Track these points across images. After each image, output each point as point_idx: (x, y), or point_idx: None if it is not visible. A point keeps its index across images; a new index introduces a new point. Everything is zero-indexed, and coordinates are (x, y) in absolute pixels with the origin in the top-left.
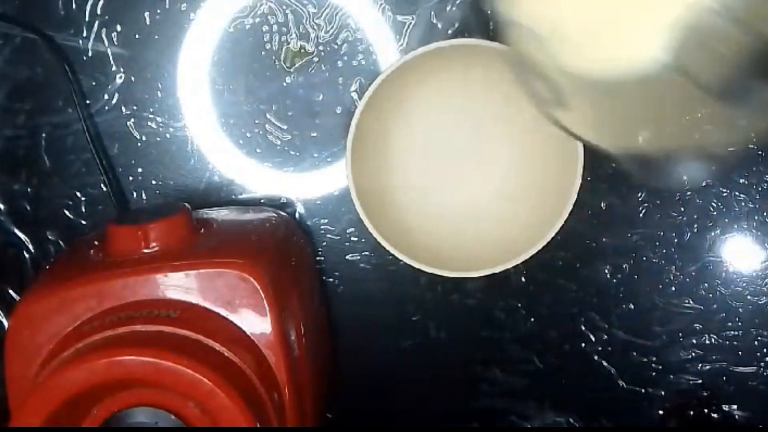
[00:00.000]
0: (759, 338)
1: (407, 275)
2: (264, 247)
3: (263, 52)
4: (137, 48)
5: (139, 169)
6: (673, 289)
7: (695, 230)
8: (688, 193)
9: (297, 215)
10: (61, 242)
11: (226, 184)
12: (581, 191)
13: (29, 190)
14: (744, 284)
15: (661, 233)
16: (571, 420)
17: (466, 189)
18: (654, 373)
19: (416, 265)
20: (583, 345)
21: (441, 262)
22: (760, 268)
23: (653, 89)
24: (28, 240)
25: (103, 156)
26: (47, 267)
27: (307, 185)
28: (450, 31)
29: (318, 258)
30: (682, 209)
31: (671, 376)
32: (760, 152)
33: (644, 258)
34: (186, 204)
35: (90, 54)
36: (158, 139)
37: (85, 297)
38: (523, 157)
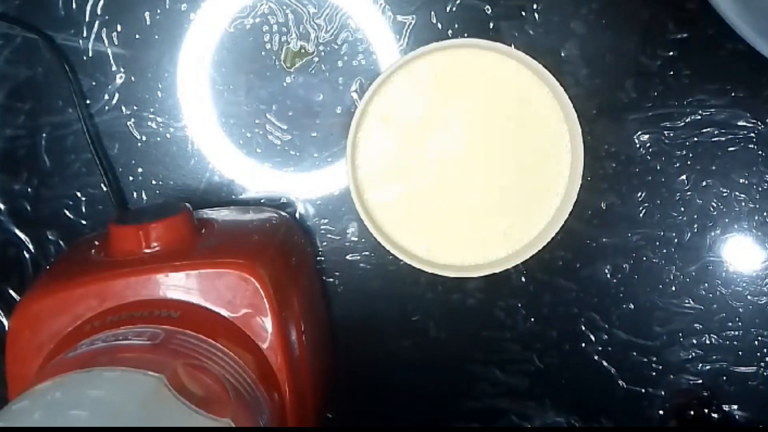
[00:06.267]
0: (759, 338)
1: (407, 275)
2: (265, 247)
3: (263, 52)
4: (137, 48)
5: (139, 169)
6: (673, 289)
7: (695, 230)
8: (688, 193)
9: (297, 215)
10: (61, 242)
11: (226, 184)
12: (581, 191)
13: (29, 190)
14: (744, 284)
15: (661, 233)
16: (572, 420)
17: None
18: (654, 373)
19: (416, 265)
20: (583, 345)
21: (441, 262)
22: (760, 268)
23: None
24: (28, 240)
25: (103, 156)
26: (47, 267)
27: (307, 185)
28: (450, 31)
29: (318, 258)
30: (682, 209)
31: (671, 376)
32: (760, 152)
33: (644, 258)
34: (187, 204)
35: (90, 54)
36: (158, 139)
37: (86, 297)
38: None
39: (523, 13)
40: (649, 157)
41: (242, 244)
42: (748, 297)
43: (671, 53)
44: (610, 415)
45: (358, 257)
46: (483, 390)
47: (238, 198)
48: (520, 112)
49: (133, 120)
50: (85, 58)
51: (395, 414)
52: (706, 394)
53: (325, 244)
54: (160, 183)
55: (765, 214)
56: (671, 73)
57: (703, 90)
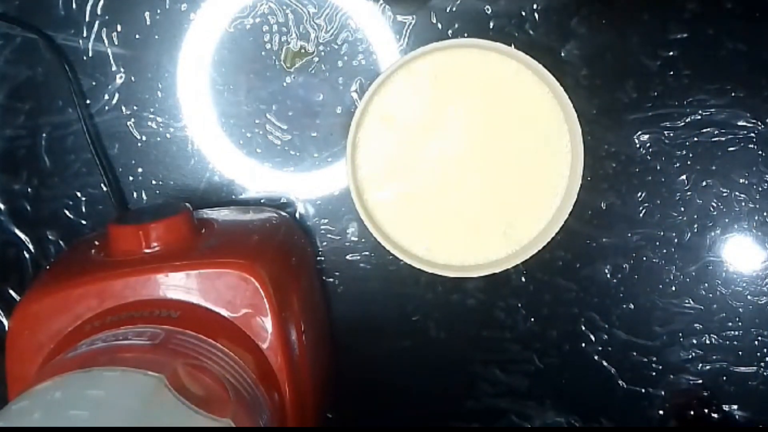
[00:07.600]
0: (759, 338)
1: (407, 275)
2: (265, 247)
3: (263, 52)
4: (137, 48)
5: (139, 169)
6: (673, 289)
7: (695, 230)
8: (688, 193)
9: (297, 215)
10: (61, 242)
11: (226, 184)
12: (581, 191)
13: (29, 190)
14: (744, 284)
15: (661, 233)
16: (572, 420)
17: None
18: (654, 373)
19: (416, 265)
20: (583, 345)
21: (441, 262)
22: (760, 268)
23: None
24: (28, 240)
25: (103, 156)
26: (47, 267)
27: (307, 185)
28: (450, 31)
29: (318, 258)
30: (682, 209)
31: (671, 376)
32: (760, 152)
33: (644, 258)
34: (187, 204)
35: (90, 54)
36: (158, 139)
37: (86, 297)
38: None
39: (523, 13)
40: (649, 157)
41: (242, 244)
42: (748, 297)
43: (671, 53)
44: (610, 415)
45: (358, 257)
46: (483, 390)
47: (238, 198)
48: (520, 112)
49: (133, 120)
50: (85, 58)
51: (395, 414)
52: (706, 394)
53: (325, 244)
54: (160, 183)
55: (765, 214)
56: (671, 73)
57: (703, 90)
